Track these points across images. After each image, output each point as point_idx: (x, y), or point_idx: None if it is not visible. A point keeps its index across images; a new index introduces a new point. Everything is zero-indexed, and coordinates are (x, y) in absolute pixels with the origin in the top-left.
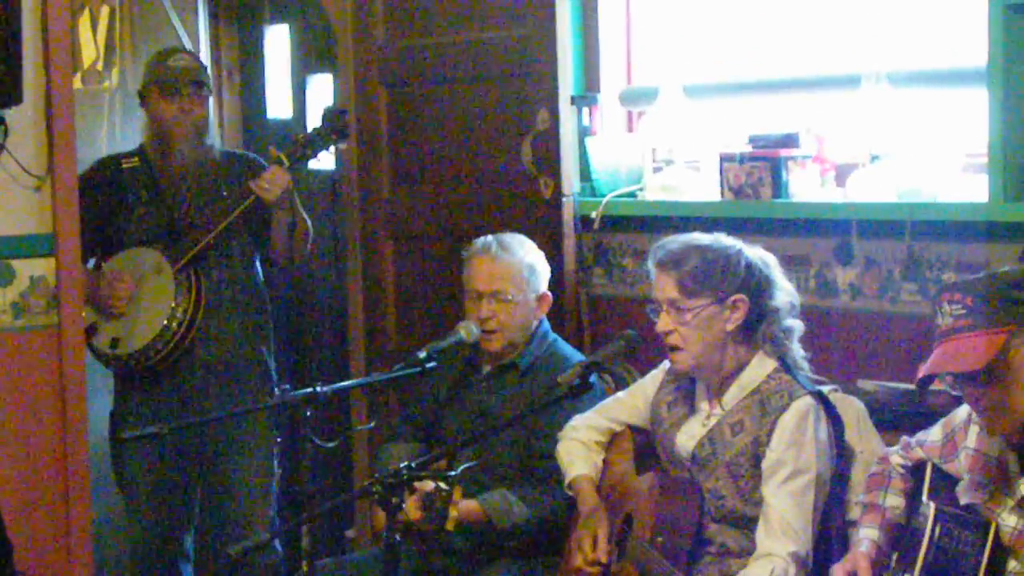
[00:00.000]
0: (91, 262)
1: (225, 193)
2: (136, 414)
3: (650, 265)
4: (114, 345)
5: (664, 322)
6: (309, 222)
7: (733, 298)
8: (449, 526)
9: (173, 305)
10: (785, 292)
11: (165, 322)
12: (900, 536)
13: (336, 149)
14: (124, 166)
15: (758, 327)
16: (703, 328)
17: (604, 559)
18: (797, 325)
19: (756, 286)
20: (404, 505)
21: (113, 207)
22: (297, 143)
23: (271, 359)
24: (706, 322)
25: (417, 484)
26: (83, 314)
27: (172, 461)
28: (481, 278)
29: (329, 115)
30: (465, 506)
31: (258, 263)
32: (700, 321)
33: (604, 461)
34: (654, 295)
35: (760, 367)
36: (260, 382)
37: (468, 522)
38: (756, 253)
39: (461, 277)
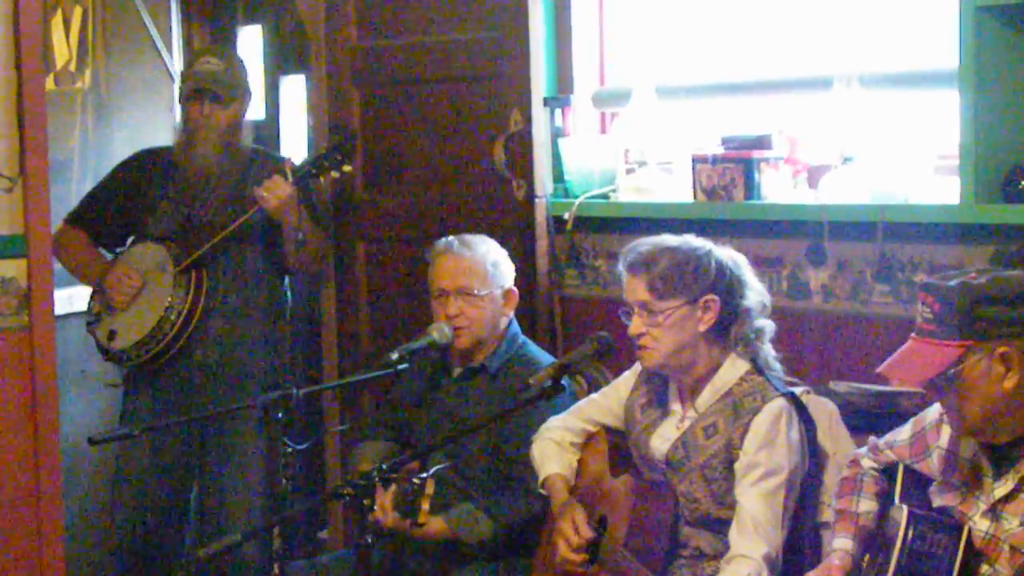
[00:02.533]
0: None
1: (245, 196)
2: (141, 411)
3: (620, 268)
4: (111, 338)
5: (636, 325)
6: (321, 239)
7: (705, 299)
8: (421, 519)
9: (167, 305)
10: (756, 292)
11: (159, 321)
12: (874, 542)
13: (340, 172)
14: (158, 160)
15: (730, 328)
16: (675, 329)
17: (589, 535)
18: (768, 325)
19: (727, 286)
20: (376, 503)
21: (142, 197)
22: (304, 161)
23: (280, 366)
24: (678, 323)
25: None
26: (92, 301)
27: (165, 461)
28: (445, 275)
29: (336, 137)
30: (432, 523)
31: (279, 272)
32: (672, 322)
33: (579, 462)
34: (625, 298)
35: (733, 369)
36: (261, 386)
37: (435, 538)
38: (726, 253)
39: (427, 277)
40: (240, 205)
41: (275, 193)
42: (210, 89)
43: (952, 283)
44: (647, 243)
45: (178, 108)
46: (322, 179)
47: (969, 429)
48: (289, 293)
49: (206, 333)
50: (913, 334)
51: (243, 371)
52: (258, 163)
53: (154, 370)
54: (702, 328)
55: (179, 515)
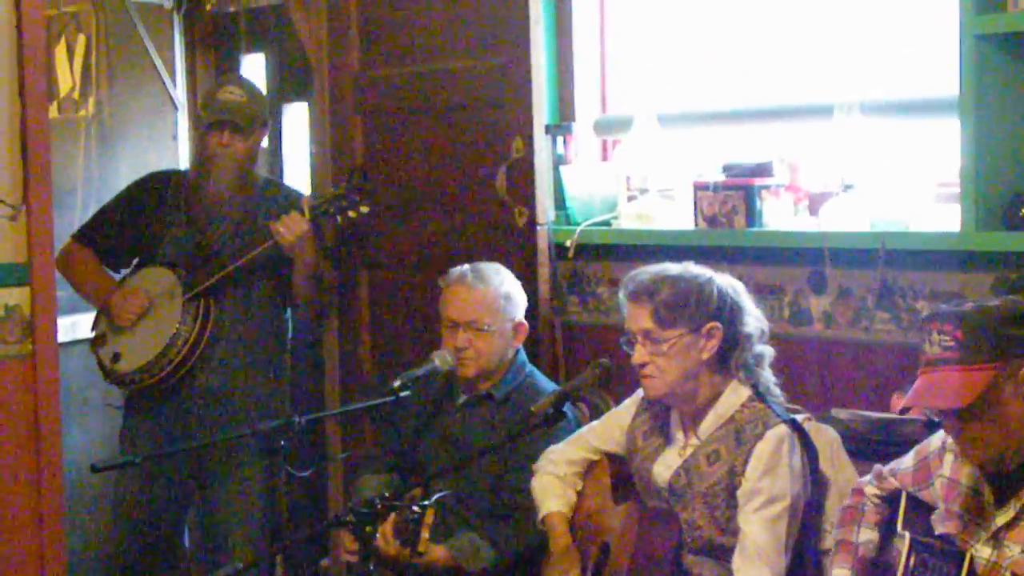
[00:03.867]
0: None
1: (256, 228)
2: (140, 436)
3: (622, 297)
4: (115, 359)
5: (640, 354)
6: (333, 276)
7: (708, 326)
8: (421, 548)
9: (175, 332)
10: (754, 318)
11: (165, 346)
12: (874, 572)
13: (359, 212)
14: (171, 184)
15: (731, 355)
16: (679, 358)
17: None
18: (768, 351)
19: (729, 314)
20: (378, 532)
21: (152, 222)
22: (322, 199)
23: (281, 395)
24: (682, 352)
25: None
26: (98, 321)
27: (166, 488)
28: (456, 308)
29: (352, 176)
30: (434, 551)
31: (283, 305)
32: (676, 351)
33: (581, 491)
34: (627, 327)
35: (734, 395)
36: (261, 414)
37: (436, 566)
38: (725, 280)
39: (438, 306)
40: (252, 236)
41: (292, 230)
42: (232, 120)
43: (969, 309)
44: (649, 272)
45: (187, 135)
46: (340, 219)
47: (992, 456)
48: (290, 324)
49: (210, 361)
50: (928, 366)
51: (244, 399)
52: (271, 194)
53: (155, 395)
54: (705, 356)
55: (177, 542)
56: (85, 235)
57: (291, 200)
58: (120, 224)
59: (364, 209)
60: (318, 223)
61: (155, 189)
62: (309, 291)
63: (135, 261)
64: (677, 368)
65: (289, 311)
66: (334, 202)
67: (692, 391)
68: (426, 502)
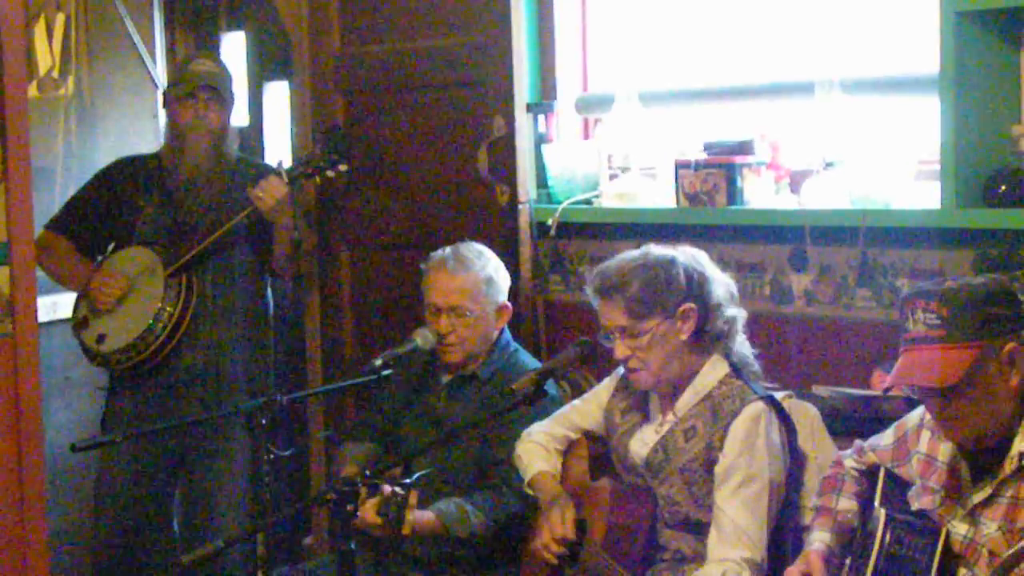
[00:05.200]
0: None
1: (232, 201)
2: (124, 416)
3: (590, 294)
4: (100, 341)
5: (620, 349)
6: (311, 239)
7: (682, 309)
8: (405, 530)
9: (158, 308)
10: (720, 283)
11: (149, 324)
12: (851, 540)
13: (337, 171)
14: (140, 166)
15: (705, 326)
16: (659, 346)
17: (571, 536)
18: (740, 313)
19: (697, 289)
20: (360, 510)
21: (123, 204)
22: (299, 161)
23: (266, 370)
24: (661, 339)
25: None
26: (79, 306)
27: (150, 466)
28: (438, 293)
29: (329, 136)
30: (421, 516)
31: (266, 275)
32: (656, 340)
33: (561, 466)
34: (603, 323)
35: (712, 372)
36: (248, 391)
37: (424, 532)
38: (686, 256)
39: (420, 287)
40: (227, 210)
41: (271, 193)
42: (212, 86)
43: (954, 287)
44: (612, 266)
45: (162, 113)
46: (317, 179)
47: (973, 435)
48: (271, 297)
49: (196, 337)
50: (911, 344)
51: (228, 375)
52: (244, 170)
53: (138, 373)
54: (684, 337)
55: (162, 520)
56: (58, 224)
57: (264, 170)
58: (93, 209)
59: (343, 168)
60: (298, 186)
61: (126, 172)
62: (289, 257)
63: (111, 246)
64: (659, 356)
65: (269, 286)
66: (311, 162)
67: (675, 371)
68: (408, 481)
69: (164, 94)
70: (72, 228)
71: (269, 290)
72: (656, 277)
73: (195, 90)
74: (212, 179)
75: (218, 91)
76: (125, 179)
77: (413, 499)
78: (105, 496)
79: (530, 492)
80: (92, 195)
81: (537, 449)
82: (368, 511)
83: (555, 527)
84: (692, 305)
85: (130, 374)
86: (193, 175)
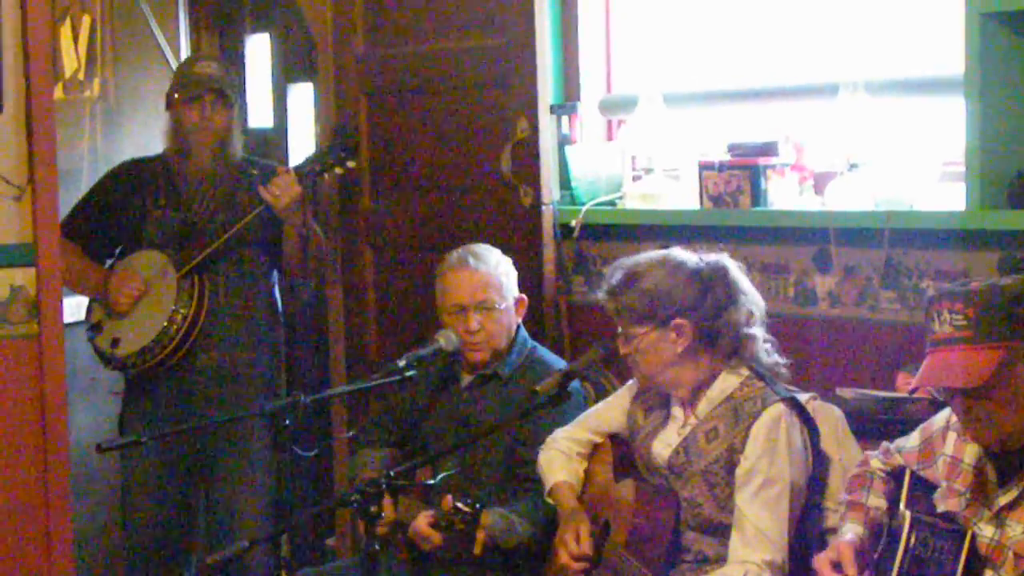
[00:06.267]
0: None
1: (239, 201)
2: (141, 418)
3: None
4: (114, 344)
5: (623, 347)
6: (323, 238)
7: (675, 322)
8: (477, 550)
9: (172, 310)
10: (743, 305)
11: (164, 326)
12: (880, 539)
13: (345, 168)
14: (145, 169)
15: (716, 342)
16: (650, 353)
17: (589, 551)
18: (759, 333)
19: (707, 306)
20: (414, 521)
21: (131, 208)
22: (308, 158)
23: (278, 369)
24: (651, 346)
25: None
26: (92, 310)
27: (174, 467)
28: (463, 291)
29: (337, 133)
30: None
31: (274, 275)
32: (645, 347)
33: (586, 471)
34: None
35: (730, 379)
36: (263, 390)
37: (475, 547)
38: (712, 266)
39: (436, 291)
40: (236, 210)
41: (285, 191)
42: (218, 89)
43: (980, 287)
44: (624, 267)
45: (166, 115)
46: (327, 176)
47: (999, 436)
48: (279, 296)
49: (210, 338)
50: (937, 345)
51: (242, 374)
52: (249, 171)
53: (153, 376)
54: (679, 350)
55: (188, 521)
56: (66, 228)
57: (271, 170)
58: (100, 213)
59: (351, 164)
60: (308, 184)
61: (130, 175)
62: (300, 256)
63: (119, 250)
64: (650, 361)
65: (277, 285)
66: (320, 160)
67: (675, 379)
68: (431, 481)
69: (167, 96)
70: (80, 232)
71: (277, 289)
72: (656, 287)
73: (202, 93)
74: (219, 181)
75: (224, 94)
76: (131, 182)
77: (485, 519)
78: (134, 498)
79: (551, 502)
80: (99, 199)
81: (558, 457)
82: (422, 523)
83: (571, 547)
84: (685, 321)
85: (145, 377)
86: (200, 177)
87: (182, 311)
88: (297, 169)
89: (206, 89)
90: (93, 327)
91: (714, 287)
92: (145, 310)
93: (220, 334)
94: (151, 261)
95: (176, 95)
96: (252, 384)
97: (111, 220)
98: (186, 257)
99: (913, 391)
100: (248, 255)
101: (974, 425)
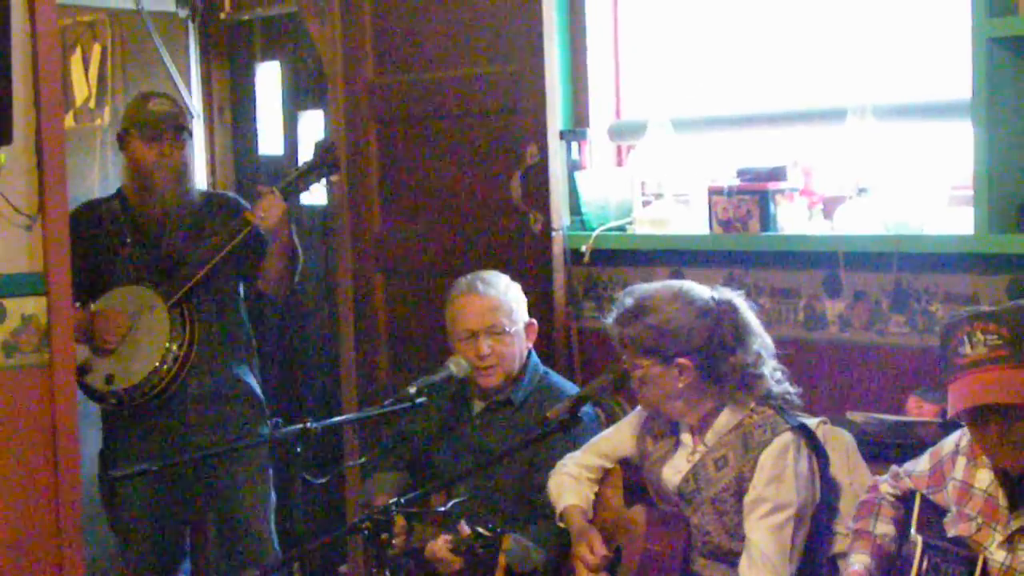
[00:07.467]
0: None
1: (208, 231)
2: (126, 452)
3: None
4: (109, 381)
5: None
6: (301, 253)
7: (678, 361)
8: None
9: (167, 342)
10: (750, 346)
11: (161, 358)
12: (890, 567)
13: (328, 182)
14: (104, 209)
15: (721, 379)
16: (652, 384)
17: (605, 552)
18: (767, 372)
19: (713, 347)
20: (430, 544)
21: (97, 249)
22: (288, 176)
23: (257, 385)
24: (654, 380)
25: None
26: (75, 353)
27: (168, 497)
28: (473, 316)
29: (319, 148)
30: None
31: (241, 290)
32: (649, 378)
33: (596, 495)
34: None
35: (738, 410)
36: (250, 410)
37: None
38: (724, 306)
39: (446, 319)
40: (217, 237)
41: (271, 212)
42: (179, 124)
43: (1011, 308)
44: (636, 294)
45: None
46: (310, 191)
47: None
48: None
49: (199, 365)
50: (973, 367)
51: (232, 393)
52: (215, 199)
53: (144, 410)
54: (681, 385)
55: (181, 534)
56: None
57: (234, 203)
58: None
59: (334, 179)
60: (292, 201)
61: (90, 217)
62: (284, 275)
63: (94, 291)
64: (653, 392)
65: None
66: (304, 177)
67: (680, 410)
68: (441, 508)
69: (120, 135)
70: None
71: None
72: (664, 324)
73: (162, 131)
74: (182, 214)
75: (184, 129)
76: (91, 224)
77: (507, 544)
78: (127, 532)
79: (562, 526)
80: None
81: (568, 481)
82: (441, 547)
83: (588, 561)
84: (689, 362)
85: (133, 411)
86: (163, 211)
87: (177, 342)
88: (283, 188)
89: (166, 127)
90: (80, 369)
91: (722, 327)
92: (136, 344)
93: (206, 360)
94: (133, 295)
95: (134, 133)
96: (241, 402)
97: (79, 264)
98: (173, 288)
99: (946, 418)
100: (222, 278)
101: (1007, 449)
